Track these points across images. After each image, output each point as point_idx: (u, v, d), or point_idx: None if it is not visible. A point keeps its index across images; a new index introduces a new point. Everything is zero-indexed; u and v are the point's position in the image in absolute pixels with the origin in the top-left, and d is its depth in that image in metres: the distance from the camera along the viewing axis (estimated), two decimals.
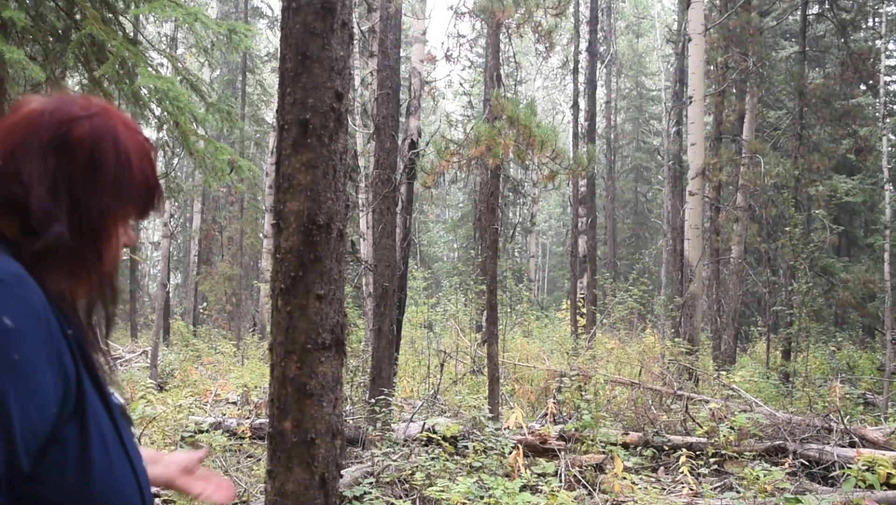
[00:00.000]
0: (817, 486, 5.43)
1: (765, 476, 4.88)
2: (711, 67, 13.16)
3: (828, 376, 11.11)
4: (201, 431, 5.99)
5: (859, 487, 4.90)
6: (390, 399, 6.80)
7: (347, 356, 6.13)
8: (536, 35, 8.00)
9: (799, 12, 13.54)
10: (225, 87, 22.49)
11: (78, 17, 4.95)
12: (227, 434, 6.41)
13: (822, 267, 14.38)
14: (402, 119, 9.60)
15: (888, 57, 17.93)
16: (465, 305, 15.54)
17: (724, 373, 9.31)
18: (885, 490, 4.90)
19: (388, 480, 5.13)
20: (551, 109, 33.21)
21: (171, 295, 23.41)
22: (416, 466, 5.21)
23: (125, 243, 1.05)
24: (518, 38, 8.74)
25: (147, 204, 1.05)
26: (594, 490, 5.24)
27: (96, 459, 0.92)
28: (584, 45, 15.40)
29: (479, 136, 6.58)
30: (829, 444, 5.96)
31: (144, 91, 5.04)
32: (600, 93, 23.23)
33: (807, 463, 5.81)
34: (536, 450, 5.91)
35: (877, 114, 14.24)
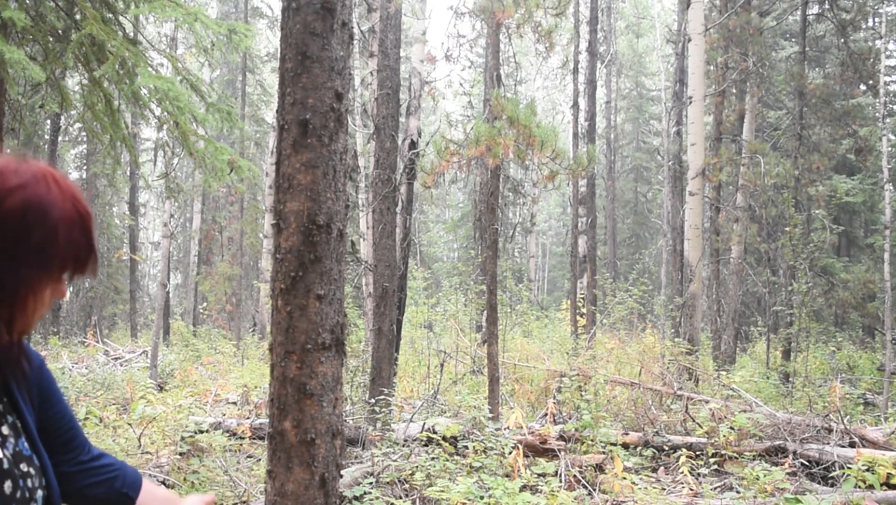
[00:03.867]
0: (817, 486, 5.43)
1: (765, 476, 4.88)
2: (711, 67, 13.16)
3: (828, 376, 11.11)
4: (201, 432, 5.99)
5: (859, 487, 4.90)
6: (390, 399, 6.80)
7: (347, 356, 6.13)
8: (536, 35, 8.00)
9: (799, 12, 13.53)
10: (225, 87, 22.50)
11: (78, 17, 4.95)
12: (227, 434, 6.41)
13: (822, 267, 14.39)
14: (402, 119, 9.60)
15: (888, 57, 17.94)
16: (465, 305, 15.54)
17: (724, 373, 9.31)
18: (885, 490, 4.90)
19: (388, 480, 5.13)
20: (551, 109, 33.21)
21: (171, 295, 23.42)
22: (416, 466, 5.21)
23: (56, 297, 1.10)
24: (518, 38, 8.74)
25: (76, 268, 1.08)
26: (594, 490, 5.24)
27: None
28: (584, 45, 15.39)
29: (479, 136, 6.58)
30: (829, 444, 5.96)
31: (144, 91, 5.04)
32: (600, 93, 23.23)
33: (807, 463, 5.81)
34: (536, 450, 5.91)
35: (877, 114, 14.24)
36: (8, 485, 1.06)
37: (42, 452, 1.17)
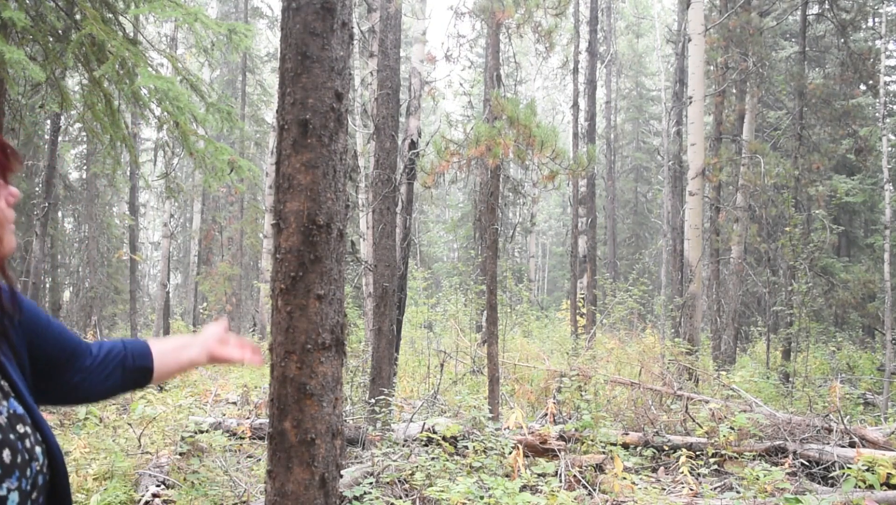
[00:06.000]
0: (817, 486, 5.43)
1: (765, 476, 4.88)
2: (711, 67, 13.16)
3: (828, 376, 11.11)
4: (201, 432, 5.99)
5: (859, 487, 4.90)
6: (390, 399, 6.80)
7: (347, 356, 6.13)
8: (536, 35, 8.00)
9: (799, 12, 13.54)
10: (225, 87, 22.49)
11: (78, 17, 4.95)
12: (227, 434, 6.41)
13: (822, 267, 14.38)
14: (402, 119, 9.60)
15: (888, 57, 17.94)
16: (465, 305, 15.54)
17: (724, 373, 9.30)
18: (885, 490, 4.90)
19: (388, 480, 5.13)
20: (551, 109, 33.21)
21: (171, 295, 23.42)
22: (416, 466, 5.21)
23: (7, 202, 1.13)
24: (518, 38, 8.74)
25: None
26: (594, 490, 5.23)
27: None
28: (584, 45, 15.39)
29: (479, 136, 6.58)
30: (829, 444, 5.96)
31: (144, 91, 5.04)
32: (600, 93, 23.23)
33: (807, 463, 5.81)
34: (536, 450, 5.91)
35: (877, 114, 14.23)
36: (6, 454, 1.05)
37: (33, 408, 1.16)
